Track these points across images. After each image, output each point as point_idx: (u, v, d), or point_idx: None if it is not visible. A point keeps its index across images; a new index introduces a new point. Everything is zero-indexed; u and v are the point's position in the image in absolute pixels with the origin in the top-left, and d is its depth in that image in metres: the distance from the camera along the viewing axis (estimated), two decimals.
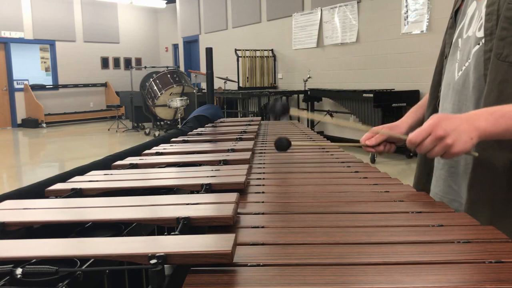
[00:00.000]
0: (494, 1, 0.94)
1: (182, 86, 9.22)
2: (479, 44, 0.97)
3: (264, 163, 1.30)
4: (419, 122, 1.23)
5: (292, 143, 1.09)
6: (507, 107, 0.87)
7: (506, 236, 0.66)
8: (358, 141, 1.22)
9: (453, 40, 1.11)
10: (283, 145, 1.09)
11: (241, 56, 8.74)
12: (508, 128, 0.86)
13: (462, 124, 0.86)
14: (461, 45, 1.06)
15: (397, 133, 1.13)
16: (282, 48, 8.68)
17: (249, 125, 2.21)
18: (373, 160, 5.80)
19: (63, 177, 1.10)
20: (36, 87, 11.98)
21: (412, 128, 1.24)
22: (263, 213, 0.81)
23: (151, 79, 9.37)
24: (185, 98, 8.66)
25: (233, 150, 1.43)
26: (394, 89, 6.27)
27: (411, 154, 6.00)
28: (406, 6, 6.18)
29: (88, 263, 0.60)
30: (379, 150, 1.22)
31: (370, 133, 1.21)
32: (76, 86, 12.84)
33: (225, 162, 1.25)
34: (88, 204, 0.84)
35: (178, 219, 0.70)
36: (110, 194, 0.92)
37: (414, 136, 0.89)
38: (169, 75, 9.36)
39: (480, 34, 0.97)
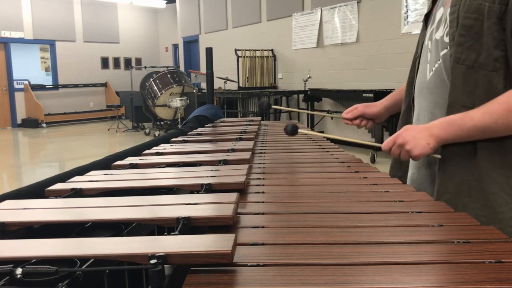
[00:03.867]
0: (455, 10, 1.03)
1: (182, 86, 9.21)
2: (446, 48, 1.06)
3: (264, 163, 1.30)
4: (395, 105, 1.45)
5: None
6: (457, 116, 1.01)
7: (506, 236, 0.66)
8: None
9: (424, 43, 1.19)
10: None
11: (241, 56, 8.73)
12: (457, 133, 1.01)
13: (421, 133, 1.04)
14: (431, 47, 1.14)
15: (375, 144, 1.30)
16: (282, 48, 8.68)
17: (249, 125, 2.21)
18: (373, 160, 5.80)
19: (63, 177, 1.10)
20: (36, 87, 11.98)
21: (387, 109, 1.46)
22: (263, 213, 0.81)
23: (151, 79, 9.36)
24: (185, 98, 8.66)
25: (233, 150, 1.43)
26: (394, 89, 6.25)
27: None
28: (406, 6, 6.18)
29: (88, 263, 0.60)
30: (355, 123, 1.45)
31: (350, 108, 1.46)
32: (76, 86, 12.84)
33: (225, 162, 1.25)
34: (88, 204, 0.84)
35: (178, 219, 0.70)
36: (110, 194, 0.92)
37: (384, 144, 1.11)
38: (169, 75, 9.35)
39: (447, 39, 1.06)
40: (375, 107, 1.45)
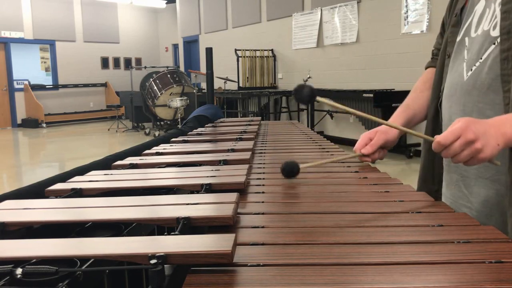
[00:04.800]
0: None
1: (182, 86, 9.22)
2: (494, 43, 0.95)
3: (264, 163, 1.30)
4: (408, 123, 1.21)
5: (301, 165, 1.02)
6: None
7: (506, 236, 0.66)
8: (358, 140, 1.18)
9: (458, 39, 1.08)
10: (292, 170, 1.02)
11: (241, 56, 8.74)
12: None
13: (490, 129, 0.83)
14: (469, 44, 1.03)
15: (423, 135, 1.06)
16: (282, 48, 8.68)
17: (249, 125, 2.21)
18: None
19: (63, 177, 1.10)
20: (36, 87, 11.98)
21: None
22: (263, 213, 0.81)
23: (151, 79, 9.37)
24: (185, 98, 8.67)
25: (233, 150, 1.43)
26: (394, 89, 6.27)
27: (411, 154, 5.99)
28: (406, 6, 6.18)
29: (88, 263, 0.60)
30: (374, 158, 1.18)
31: (363, 140, 1.17)
32: (76, 86, 12.85)
33: (225, 162, 1.25)
34: (88, 204, 0.84)
35: (178, 219, 0.70)
36: (110, 194, 0.92)
37: (442, 138, 0.84)
38: (169, 75, 9.35)
39: (495, 33, 0.95)
40: (394, 130, 1.17)
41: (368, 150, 1.15)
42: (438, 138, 0.85)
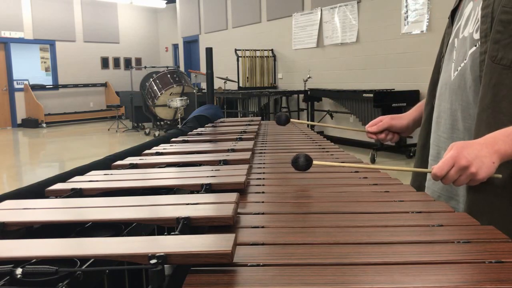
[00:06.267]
0: (489, 4, 0.95)
1: (182, 86, 9.21)
2: (475, 45, 0.98)
3: (264, 163, 1.30)
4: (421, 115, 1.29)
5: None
6: None
7: (506, 236, 0.66)
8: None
9: (450, 40, 1.12)
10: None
11: (241, 56, 8.73)
12: None
13: (482, 150, 0.88)
14: (457, 45, 1.07)
15: (420, 169, 1.16)
16: (282, 48, 8.68)
17: (249, 125, 2.21)
18: (373, 160, 5.80)
19: (63, 177, 1.10)
20: (36, 87, 11.98)
21: (415, 121, 1.32)
22: (263, 213, 0.81)
23: (151, 79, 9.36)
24: (185, 98, 8.66)
25: (233, 150, 1.43)
26: (394, 89, 6.27)
27: (411, 154, 5.99)
28: (406, 6, 6.18)
29: (88, 263, 0.60)
30: (380, 137, 1.32)
31: (375, 120, 1.33)
32: (76, 86, 12.84)
33: (225, 162, 1.25)
34: (88, 204, 0.84)
35: (178, 219, 0.70)
36: (110, 194, 0.92)
37: (438, 169, 0.89)
38: (169, 75, 9.35)
39: (477, 36, 0.98)
40: (403, 120, 1.32)
41: (372, 129, 1.31)
42: (434, 170, 0.90)
